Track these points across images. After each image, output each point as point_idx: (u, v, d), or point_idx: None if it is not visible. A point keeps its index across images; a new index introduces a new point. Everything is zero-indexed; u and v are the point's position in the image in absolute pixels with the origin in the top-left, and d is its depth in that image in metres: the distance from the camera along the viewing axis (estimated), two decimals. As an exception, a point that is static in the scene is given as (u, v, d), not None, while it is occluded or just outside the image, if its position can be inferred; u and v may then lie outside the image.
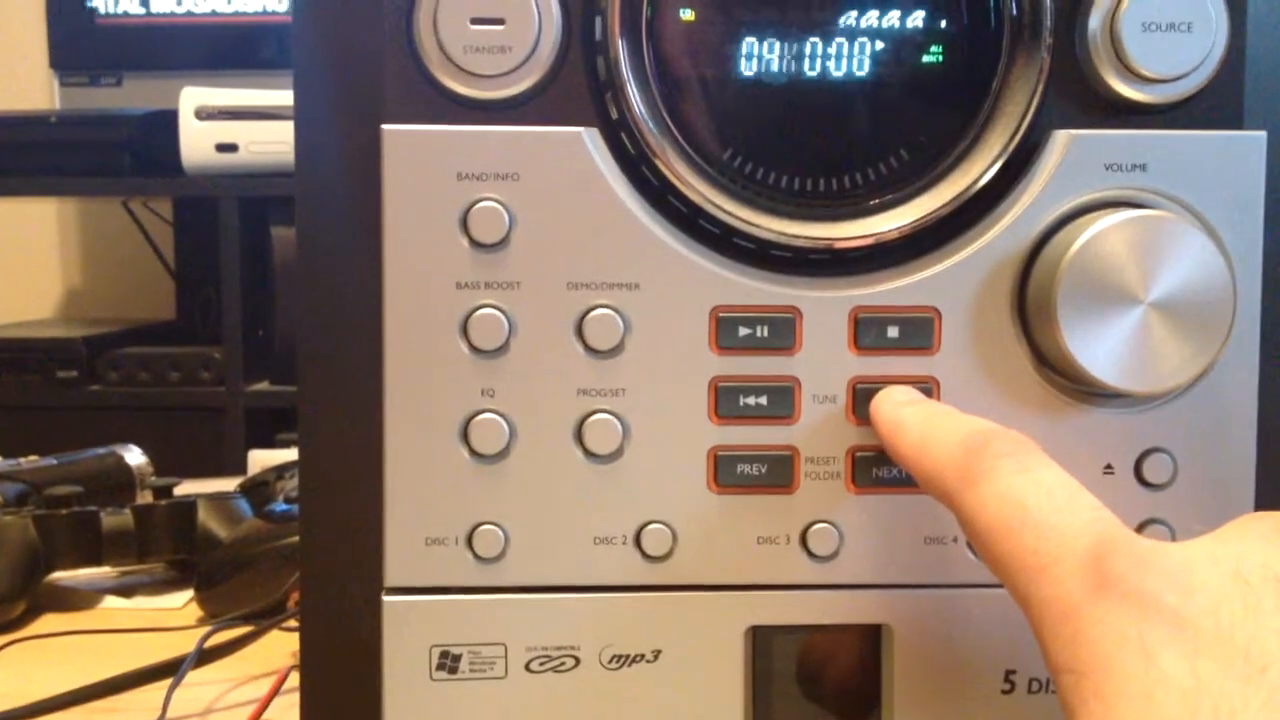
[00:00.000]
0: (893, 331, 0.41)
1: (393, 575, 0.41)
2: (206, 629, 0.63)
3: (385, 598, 0.41)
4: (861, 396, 0.41)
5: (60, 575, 0.79)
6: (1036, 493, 0.34)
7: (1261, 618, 0.30)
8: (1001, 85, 0.41)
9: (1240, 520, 0.34)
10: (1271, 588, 0.31)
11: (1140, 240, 0.39)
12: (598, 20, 0.40)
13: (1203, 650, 0.30)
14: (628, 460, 0.41)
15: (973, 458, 0.36)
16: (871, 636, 0.42)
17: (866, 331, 0.41)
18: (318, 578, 0.42)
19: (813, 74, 0.41)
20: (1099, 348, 0.39)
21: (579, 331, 0.41)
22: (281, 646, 0.66)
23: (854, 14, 0.41)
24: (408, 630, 0.41)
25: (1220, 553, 0.32)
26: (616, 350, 0.41)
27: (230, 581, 0.74)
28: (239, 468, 1.09)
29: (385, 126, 0.40)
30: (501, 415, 0.41)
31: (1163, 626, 0.30)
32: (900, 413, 0.40)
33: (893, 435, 0.40)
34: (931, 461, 0.38)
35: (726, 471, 0.41)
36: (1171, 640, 0.30)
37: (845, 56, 0.41)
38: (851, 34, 0.41)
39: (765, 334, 0.41)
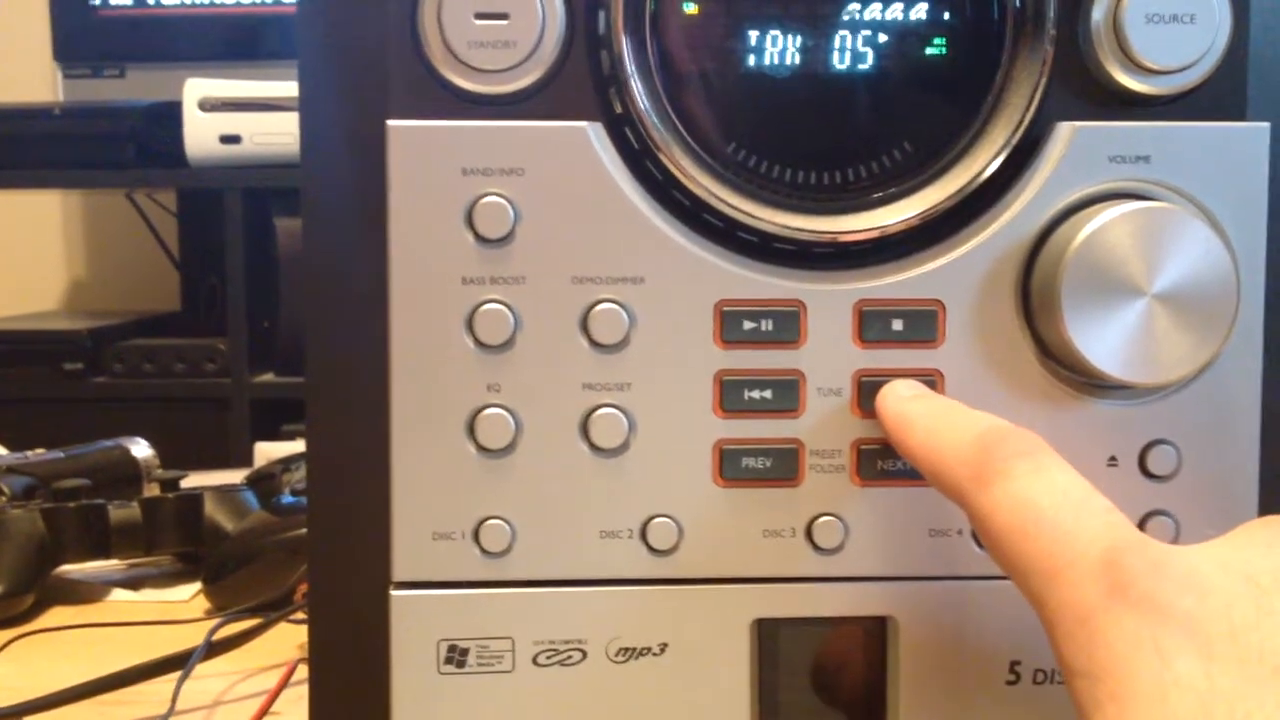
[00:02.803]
0: (897, 324, 0.41)
1: (400, 570, 0.41)
2: (214, 621, 0.63)
3: (393, 592, 0.41)
4: (866, 389, 0.41)
5: (68, 568, 0.79)
6: (1051, 495, 0.34)
7: (1274, 620, 0.31)
8: (1005, 78, 0.41)
9: (1248, 525, 0.34)
10: None
11: (1144, 232, 0.39)
12: (601, 15, 0.40)
13: (1216, 653, 0.30)
14: (633, 454, 0.41)
15: (986, 456, 0.36)
16: (877, 629, 0.42)
17: (871, 325, 0.41)
18: (325, 572, 0.42)
19: (816, 67, 0.41)
20: (1103, 340, 0.39)
21: (584, 326, 0.41)
22: (289, 639, 0.66)
23: (857, 7, 0.41)
24: (415, 624, 0.41)
25: (1231, 557, 0.32)
26: (621, 344, 0.41)
27: (237, 574, 0.74)
28: (245, 460, 1.09)
29: (390, 122, 0.40)
30: (507, 410, 0.41)
31: (1177, 630, 0.31)
32: (907, 408, 0.40)
33: (900, 431, 0.40)
34: (941, 458, 0.38)
35: (731, 465, 0.41)
36: (1186, 643, 0.30)
37: (848, 49, 0.41)
38: (855, 27, 0.41)
39: (770, 328, 0.41)
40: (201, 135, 1.74)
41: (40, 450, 0.90)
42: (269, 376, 1.82)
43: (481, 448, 0.41)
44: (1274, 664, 0.30)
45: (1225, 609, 0.31)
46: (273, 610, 0.65)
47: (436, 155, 0.40)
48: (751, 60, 0.41)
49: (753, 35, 0.41)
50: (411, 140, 0.40)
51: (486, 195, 0.40)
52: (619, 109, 0.41)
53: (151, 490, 0.85)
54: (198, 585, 0.77)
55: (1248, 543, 0.33)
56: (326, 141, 0.41)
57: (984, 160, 0.41)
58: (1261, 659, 0.30)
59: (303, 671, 0.44)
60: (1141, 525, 0.41)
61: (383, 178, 0.40)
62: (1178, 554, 0.32)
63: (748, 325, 0.41)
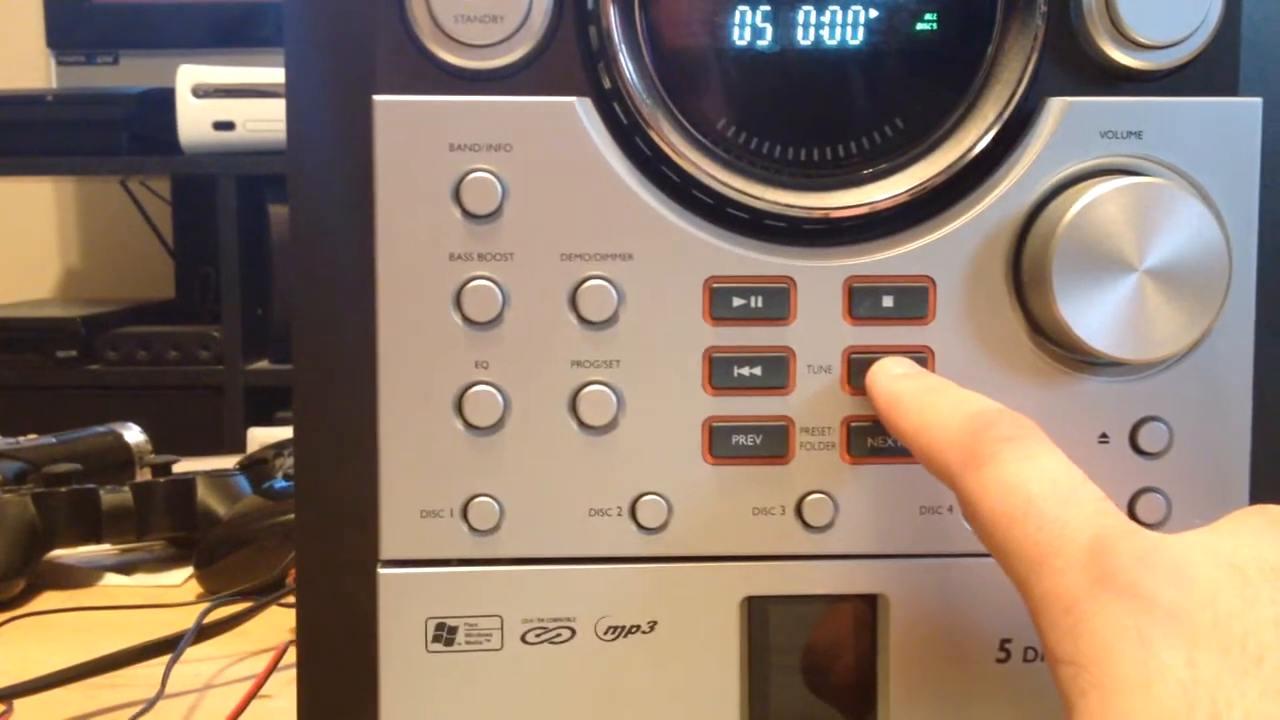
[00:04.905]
0: (887, 301, 0.41)
1: (388, 548, 0.41)
2: (205, 605, 0.63)
3: (381, 571, 0.41)
4: (856, 366, 0.41)
5: (60, 553, 0.79)
6: (1040, 481, 0.34)
7: (1258, 609, 0.30)
8: (996, 52, 0.41)
9: (1237, 514, 0.34)
10: (1268, 580, 0.31)
11: (1135, 207, 0.39)
12: (589, -11, 0.40)
13: (1200, 642, 0.30)
14: (622, 432, 0.41)
15: (975, 440, 0.36)
16: (867, 606, 0.42)
17: (861, 301, 0.41)
18: (313, 551, 0.42)
19: (806, 42, 0.41)
20: (1094, 316, 0.39)
21: (573, 302, 0.41)
22: (280, 622, 0.66)
23: (847, -18, 0.41)
24: (403, 603, 0.41)
25: (1217, 546, 0.32)
26: (610, 321, 0.41)
27: (229, 558, 0.74)
28: (238, 446, 1.09)
29: (377, 97, 0.40)
30: (495, 387, 0.41)
31: (1162, 619, 0.30)
32: (897, 386, 0.40)
33: (890, 410, 0.39)
34: (931, 440, 0.37)
35: (721, 442, 0.41)
36: (1170, 633, 0.30)
37: (839, 24, 0.41)
38: (845, 1, 0.41)
39: (759, 304, 0.41)
40: (195, 122, 1.74)
41: (32, 436, 0.90)
42: (263, 364, 1.82)
43: (470, 425, 0.41)
44: (1257, 653, 0.30)
45: (1210, 598, 0.31)
46: (264, 594, 0.65)
47: (424, 131, 0.40)
48: (741, 35, 0.41)
49: (742, 10, 0.41)
50: (398, 116, 0.40)
51: (474, 171, 0.40)
52: (607, 84, 0.40)
53: (143, 475, 0.85)
54: (190, 570, 0.77)
55: (1235, 531, 0.33)
56: (313, 118, 0.41)
57: (975, 136, 0.41)
58: (1245, 648, 0.30)
59: (293, 654, 0.44)
60: (1133, 502, 0.41)
61: (369, 154, 0.40)
62: (1165, 543, 0.32)
63: (737, 302, 0.41)
